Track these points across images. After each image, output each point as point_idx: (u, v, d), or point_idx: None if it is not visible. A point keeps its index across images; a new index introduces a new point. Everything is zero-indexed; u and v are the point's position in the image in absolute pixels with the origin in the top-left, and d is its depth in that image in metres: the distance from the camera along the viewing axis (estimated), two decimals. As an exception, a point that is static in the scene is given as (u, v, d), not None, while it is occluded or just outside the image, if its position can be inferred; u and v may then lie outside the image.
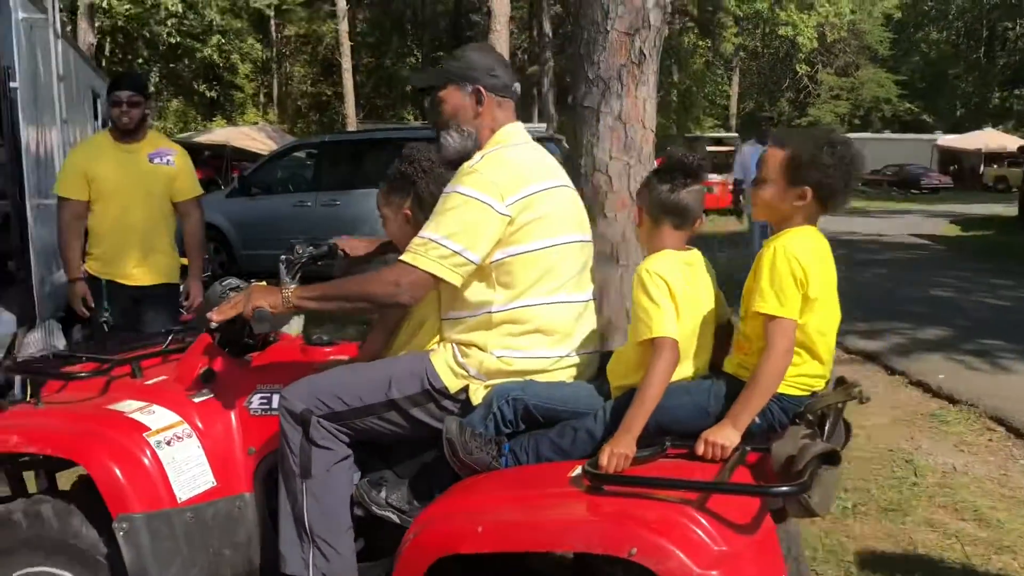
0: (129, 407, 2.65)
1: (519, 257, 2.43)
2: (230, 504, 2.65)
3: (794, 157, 2.24)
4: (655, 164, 3.56)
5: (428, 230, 2.39)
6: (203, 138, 22.49)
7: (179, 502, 2.52)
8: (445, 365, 2.47)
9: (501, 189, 2.38)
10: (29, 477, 2.98)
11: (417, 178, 2.72)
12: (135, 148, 4.53)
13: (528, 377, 2.44)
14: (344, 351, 2.78)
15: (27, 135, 7.11)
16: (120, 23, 28.01)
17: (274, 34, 39.73)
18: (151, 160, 4.57)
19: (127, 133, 4.54)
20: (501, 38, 15.01)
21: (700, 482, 2.01)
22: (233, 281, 2.84)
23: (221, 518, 2.62)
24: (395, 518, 2.44)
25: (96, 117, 11.95)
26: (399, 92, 39.64)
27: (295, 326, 2.99)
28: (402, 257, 2.40)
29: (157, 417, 2.62)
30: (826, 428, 2.16)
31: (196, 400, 2.70)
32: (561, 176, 2.61)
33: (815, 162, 2.22)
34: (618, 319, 3.93)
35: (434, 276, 2.37)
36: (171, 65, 34.93)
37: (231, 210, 11.41)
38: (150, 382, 2.80)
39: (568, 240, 2.51)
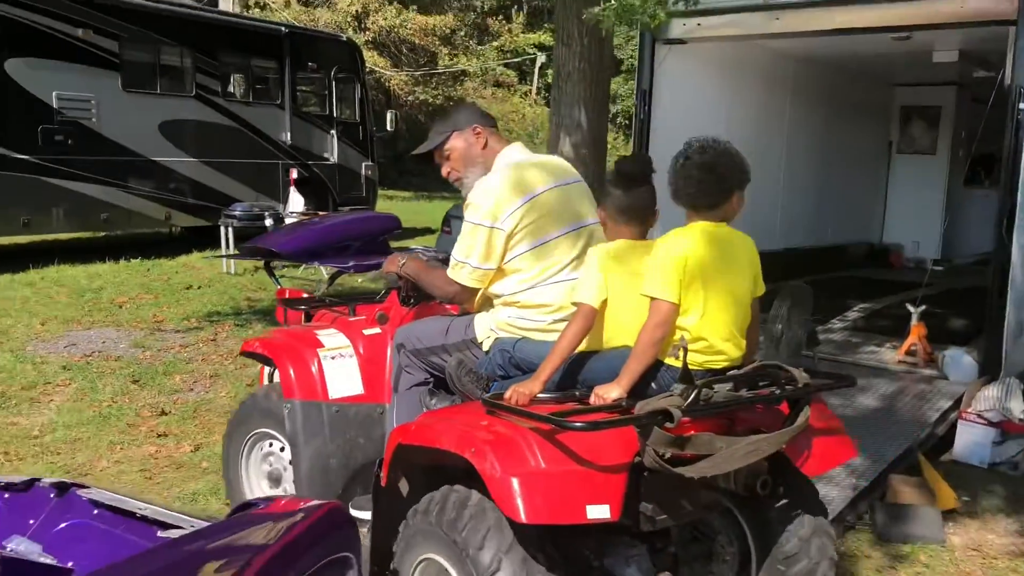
0: (324, 332, 3.78)
1: (523, 256, 3.05)
2: (371, 408, 3.64)
3: None
4: None
5: (457, 252, 3.12)
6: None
7: (329, 398, 3.58)
8: (483, 322, 3.18)
9: (493, 211, 3.02)
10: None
11: None
12: None
13: (525, 334, 3.02)
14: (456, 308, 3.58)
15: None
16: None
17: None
18: None
19: None
20: None
21: (532, 412, 2.46)
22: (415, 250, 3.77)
23: (362, 416, 3.62)
24: None
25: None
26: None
27: None
28: (448, 272, 3.17)
29: (335, 339, 3.72)
30: (690, 396, 2.41)
31: (367, 333, 3.74)
32: (555, 177, 3.16)
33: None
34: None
35: (469, 287, 3.12)
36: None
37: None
38: (353, 319, 3.91)
39: (561, 233, 3.07)
